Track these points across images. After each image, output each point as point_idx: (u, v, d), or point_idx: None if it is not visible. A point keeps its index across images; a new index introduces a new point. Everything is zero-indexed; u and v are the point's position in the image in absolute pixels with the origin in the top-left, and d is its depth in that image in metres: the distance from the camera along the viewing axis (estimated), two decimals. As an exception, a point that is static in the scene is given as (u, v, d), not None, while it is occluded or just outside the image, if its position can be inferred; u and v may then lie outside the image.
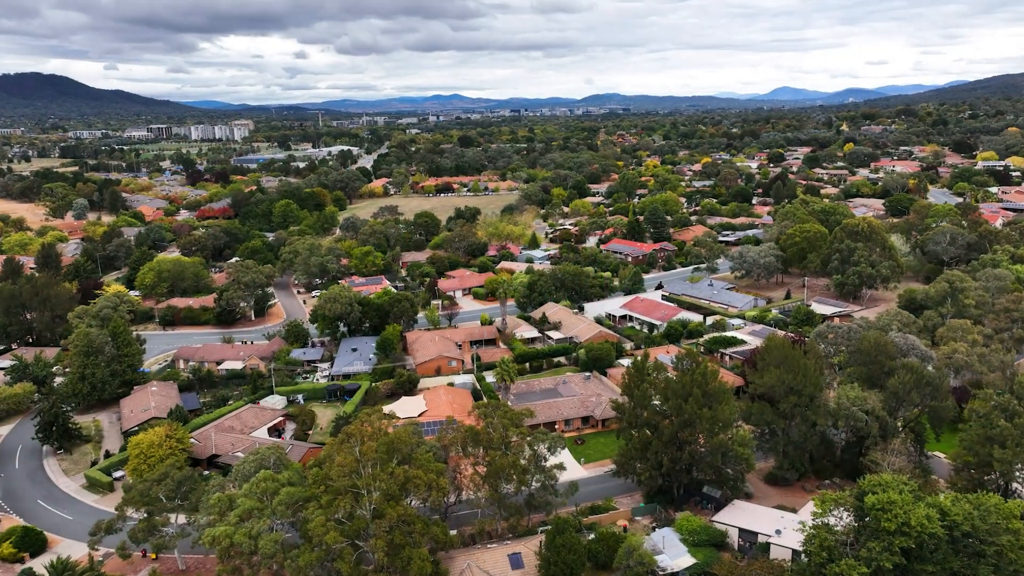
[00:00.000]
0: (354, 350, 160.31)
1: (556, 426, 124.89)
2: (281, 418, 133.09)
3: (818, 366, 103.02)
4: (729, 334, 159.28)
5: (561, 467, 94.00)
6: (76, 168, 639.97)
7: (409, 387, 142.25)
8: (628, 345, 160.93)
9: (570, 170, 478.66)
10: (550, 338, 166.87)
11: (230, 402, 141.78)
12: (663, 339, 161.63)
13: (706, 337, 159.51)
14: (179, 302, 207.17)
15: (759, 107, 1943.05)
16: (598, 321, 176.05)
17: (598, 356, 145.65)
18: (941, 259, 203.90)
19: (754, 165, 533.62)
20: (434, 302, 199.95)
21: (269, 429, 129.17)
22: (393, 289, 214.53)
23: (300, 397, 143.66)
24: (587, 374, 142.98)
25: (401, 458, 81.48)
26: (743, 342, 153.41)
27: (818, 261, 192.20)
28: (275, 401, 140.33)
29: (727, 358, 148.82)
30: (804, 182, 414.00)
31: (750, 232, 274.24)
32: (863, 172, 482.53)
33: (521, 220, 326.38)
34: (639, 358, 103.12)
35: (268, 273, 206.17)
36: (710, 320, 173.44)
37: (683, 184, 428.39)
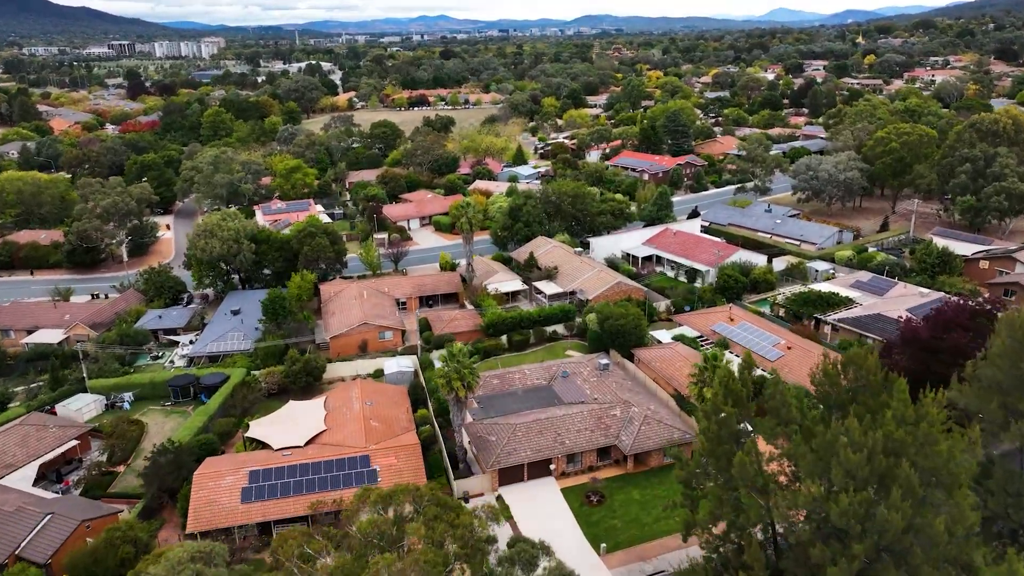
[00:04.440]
0: (235, 313, 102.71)
1: (552, 466, 69.13)
2: (75, 442, 76.86)
3: None
4: (824, 288, 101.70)
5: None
6: (11, 83, 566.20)
7: (307, 380, 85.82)
8: (661, 305, 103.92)
9: (563, 79, 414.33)
10: (541, 292, 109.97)
11: (12, 405, 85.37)
12: (715, 294, 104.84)
13: (785, 293, 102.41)
14: (24, 236, 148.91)
15: (756, 27, 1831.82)
16: (611, 265, 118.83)
17: (620, 327, 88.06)
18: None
19: (770, 76, 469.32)
20: (377, 236, 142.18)
21: (45, 465, 73.14)
22: (327, 218, 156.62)
23: (127, 397, 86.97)
24: (603, 359, 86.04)
25: None
26: (849, 301, 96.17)
27: (931, 175, 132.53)
28: (83, 405, 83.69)
29: (828, 331, 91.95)
30: (839, 92, 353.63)
31: (796, 144, 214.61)
32: (898, 83, 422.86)
33: (505, 132, 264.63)
34: (738, 372, 46.40)
35: (141, 195, 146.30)
36: (779, 264, 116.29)
37: (696, 95, 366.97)
